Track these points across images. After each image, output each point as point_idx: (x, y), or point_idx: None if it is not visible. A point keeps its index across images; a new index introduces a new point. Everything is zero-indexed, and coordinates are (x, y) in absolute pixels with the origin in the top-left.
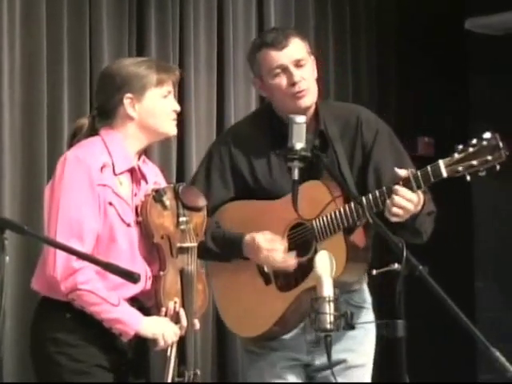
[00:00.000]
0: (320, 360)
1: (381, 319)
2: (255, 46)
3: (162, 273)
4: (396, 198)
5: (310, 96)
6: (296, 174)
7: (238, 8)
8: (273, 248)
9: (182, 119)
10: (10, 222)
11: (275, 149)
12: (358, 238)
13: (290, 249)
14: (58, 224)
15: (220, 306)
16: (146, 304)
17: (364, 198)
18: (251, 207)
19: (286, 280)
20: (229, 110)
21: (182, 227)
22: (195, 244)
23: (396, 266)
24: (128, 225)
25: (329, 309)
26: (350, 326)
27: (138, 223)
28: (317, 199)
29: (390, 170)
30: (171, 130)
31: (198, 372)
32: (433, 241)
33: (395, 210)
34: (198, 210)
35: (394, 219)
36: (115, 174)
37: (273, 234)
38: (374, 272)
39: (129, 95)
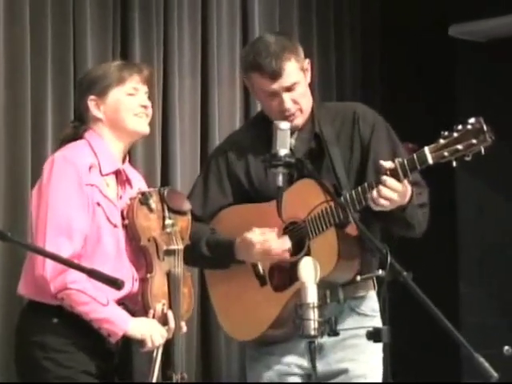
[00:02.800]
0: (321, 368)
1: None
2: (248, 62)
3: (149, 275)
4: (383, 189)
5: (300, 117)
6: (280, 180)
7: (222, 12)
8: (265, 239)
9: (165, 124)
10: None
11: (268, 150)
12: (351, 233)
13: None
14: (47, 223)
15: (218, 312)
16: (131, 307)
17: (348, 195)
18: (245, 211)
19: (281, 280)
20: (213, 114)
21: (168, 230)
22: (181, 247)
23: (380, 272)
24: (115, 226)
25: (313, 315)
26: (334, 333)
27: (124, 226)
28: (309, 197)
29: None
30: (138, 125)
31: (185, 375)
32: (417, 246)
33: (381, 201)
34: (183, 213)
35: (377, 209)
36: (102, 175)
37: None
38: (359, 278)
39: (92, 97)
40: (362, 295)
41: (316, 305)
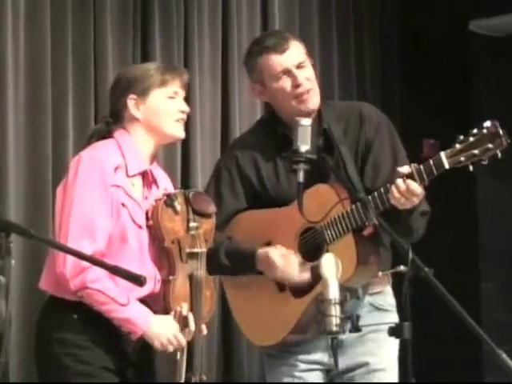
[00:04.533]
0: (342, 363)
1: None
2: (254, 52)
3: (171, 277)
4: (403, 190)
5: (314, 97)
6: (301, 176)
7: (242, 11)
8: (288, 263)
9: (186, 125)
10: (16, 225)
11: (278, 151)
12: (369, 237)
13: (301, 254)
14: (71, 221)
15: (237, 317)
16: (152, 307)
17: (370, 197)
18: (261, 216)
19: (300, 286)
20: (233, 113)
21: (192, 232)
22: (205, 250)
23: (402, 267)
24: (139, 227)
25: (335, 311)
26: (356, 329)
27: (148, 227)
28: (325, 202)
29: (387, 164)
30: (176, 130)
31: (204, 377)
32: (438, 242)
33: (402, 200)
34: (207, 216)
35: (401, 207)
36: (128, 176)
37: (285, 248)
38: (380, 274)
39: (132, 96)
40: (379, 290)
41: (338, 301)
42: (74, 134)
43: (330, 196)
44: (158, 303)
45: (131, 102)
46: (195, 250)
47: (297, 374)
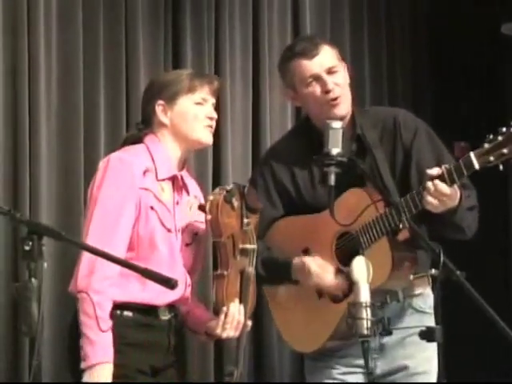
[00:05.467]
0: (381, 367)
1: None
2: (286, 57)
3: (225, 272)
4: (432, 192)
5: (344, 103)
6: (332, 179)
7: (273, 16)
8: (324, 271)
9: (217, 128)
10: (47, 228)
11: (311, 157)
12: (404, 241)
13: (338, 259)
14: (93, 222)
15: (279, 325)
16: (180, 310)
17: (402, 200)
18: (298, 223)
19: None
20: (264, 119)
21: (245, 228)
22: (255, 246)
23: (433, 271)
24: (168, 230)
25: (366, 314)
26: (388, 332)
27: (205, 221)
28: (359, 207)
29: (430, 166)
30: (203, 136)
31: (243, 372)
32: (469, 246)
33: (432, 201)
34: (257, 211)
35: (428, 207)
36: (157, 180)
37: (322, 253)
38: (411, 277)
39: (160, 102)
40: (419, 292)
41: (369, 304)
42: (106, 137)
43: (364, 200)
44: (185, 305)
45: (159, 107)
46: (248, 246)
47: (338, 376)
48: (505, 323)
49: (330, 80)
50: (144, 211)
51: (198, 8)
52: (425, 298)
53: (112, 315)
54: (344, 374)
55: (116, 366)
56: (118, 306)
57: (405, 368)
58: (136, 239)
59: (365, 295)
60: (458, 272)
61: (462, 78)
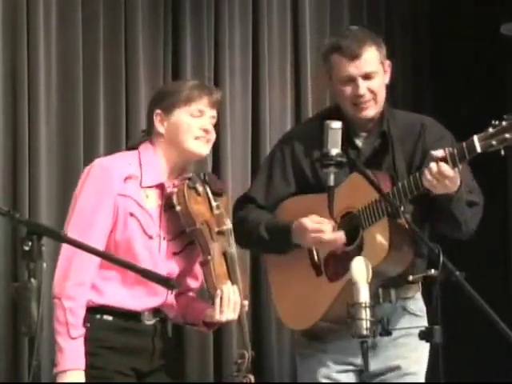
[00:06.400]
0: (374, 365)
1: None
2: (330, 46)
3: (209, 257)
4: (435, 172)
5: (373, 108)
6: (331, 180)
7: (272, 13)
8: (319, 228)
9: (217, 125)
10: (47, 228)
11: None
12: (404, 225)
13: None
14: (70, 227)
15: (275, 300)
16: (168, 315)
17: (405, 181)
18: (305, 201)
19: (335, 269)
20: (264, 116)
21: (216, 212)
22: (230, 226)
23: (433, 271)
24: (150, 237)
25: (365, 315)
26: (387, 332)
27: (177, 212)
28: (365, 189)
29: None
30: (194, 147)
31: (253, 353)
32: (468, 246)
33: (433, 180)
34: (222, 194)
35: (429, 187)
36: (142, 187)
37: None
38: (411, 278)
39: (158, 111)
40: (411, 296)
41: (368, 304)
42: (105, 140)
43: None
44: (173, 311)
45: (157, 117)
46: (223, 227)
47: (330, 374)
48: (504, 323)
49: (363, 85)
50: (122, 217)
51: (197, 8)
52: (416, 301)
53: (92, 319)
54: (337, 372)
55: (94, 368)
56: (98, 310)
57: (396, 368)
58: (113, 244)
59: (364, 295)
60: (458, 272)
61: (462, 77)
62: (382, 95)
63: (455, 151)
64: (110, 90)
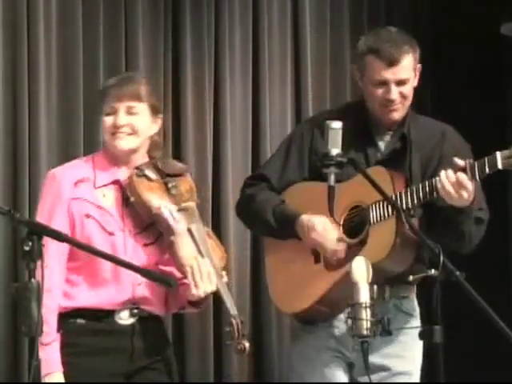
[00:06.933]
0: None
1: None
2: (368, 47)
3: (172, 238)
4: (454, 181)
5: (400, 111)
6: (332, 180)
7: (272, 13)
8: (325, 235)
9: (217, 125)
10: (47, 228)
11: (356, 141)
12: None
13: (345, 229)
14: None
15: (269, 281)
16: (150, 311)
17: (420, 184)
18: (315, 188)
19: (336, 260)
20: (264, 116)
21: (174, 192)
22: (192, 203)
23: (433, 271)
24: (110, 233)
25: (365, 315)
26: (388, 332)
27: (132, 204)
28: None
29: None
30: (114, 143)
31: (243, 318)
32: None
33: (450, 190)
34: (180, 174)
35: (444, 196)
36: (96, 188)
37: (331, 220)
38: (411, 278)
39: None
40: (406, 295)
41: (368, 304)
42: None
43: (384, 180)
44: (152, 305)
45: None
46: (182, 205)
47: (323, 356)
48: (504, 323)
49: (396, 90)
50: (79, 220)
51: (197, 6)
52: (410, 301)
53: (65, 324)
54: (328, 357)
55: (72, 372)
56: (70, 315)
57: (388, 367)
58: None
59: (364, 296)
60: (458, 272)
61: (462, 77)
62: (410, 99)
63: (476, 164)
64: None
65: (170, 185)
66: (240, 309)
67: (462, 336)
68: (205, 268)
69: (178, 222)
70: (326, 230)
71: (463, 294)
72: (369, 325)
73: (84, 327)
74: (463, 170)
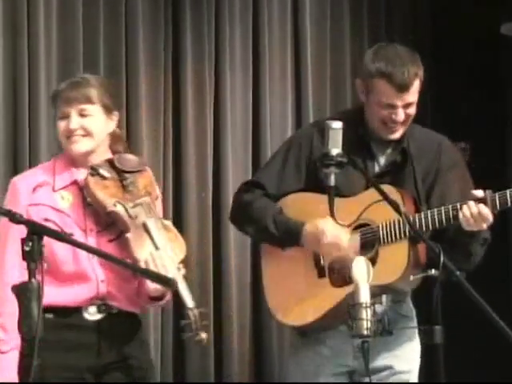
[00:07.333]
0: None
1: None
2: (378, 69)
3: (127, 235)
4: (475, 213)
5: (401, 130)
6: (332, 180)
7: (272, 8)
8: (337, 234)
9: (217, 121)
10: (48, 229)
11: (354, 152)
12: (421, 250)
13: None
14: None
15: (268, 292)
16: (119, 307)
17: (436, 210)
18: (315, 201)
19: (341, 276)
20: (264, 111)
21: (130, 188)
22: (147, 198)
23: (433, 271)
24: (70, 235)
25: (366, 315)
26: (388, 332)
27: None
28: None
29: (454, 199)
30: (70, 147)
31: (202, 310)
32: None
33: (470, 220)
34: (137, 170)
35: (464, 224)
36: (54, 191)
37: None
38: (411, 278)
39: None
40: (400, 299)
41: (368, 304)
42: None
43: (394, 196)
44: (121, 301)
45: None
46: (137, 201)
47: (323, 376)
48: (505, 323)
49: (402, 112)
50: None
51: (198, 3)
52: (405, 304)
53: None
54: (329, 375)
55: (38, 366)
56: None
57: (388, 368)
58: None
59: (365, 296)
60: (458, 272)
61: (461, 78)
62: (412, 117)
63: (497, 197)
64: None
65: (126, 181)
66: (240, 309)
67: (462, 336)
68: (159, 261)
69: (134, 218)
70: (337, 230)
71: (463, 294)
72: (369, 325)
73: (52, 322)
74: (483, 201)
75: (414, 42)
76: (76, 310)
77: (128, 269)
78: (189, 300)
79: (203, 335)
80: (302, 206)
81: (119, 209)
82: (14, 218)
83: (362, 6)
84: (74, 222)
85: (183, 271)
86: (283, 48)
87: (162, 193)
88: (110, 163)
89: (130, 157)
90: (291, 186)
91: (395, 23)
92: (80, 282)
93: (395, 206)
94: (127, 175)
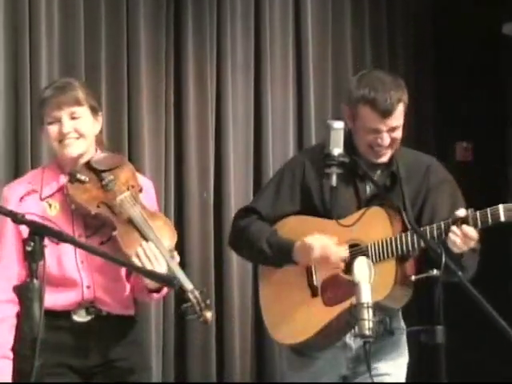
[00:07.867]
0: (359, 373)
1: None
2: (362, 96)
3: (114, 233)
4: (460, 235)
5: (389, 154)
6: (334, 180)
7: (274, 8)
8: (325, 244)
9: (219, 121)
10: (50, 229)
11: (344, 177)
12: (409, 269)
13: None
14: None
15: (264, 310)
16: (108, 310)
17: (427, 228)
18: (310, 223)
19: (333, 295)
20: (266, 112)
21: (110, 187)
22: (129, 192)
23: (435, 271)
24: (57, 243)
25: (367, 315)
26: (390, 332)
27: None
28: (376, 224)
29: (444, 216)
30: (62, 151)
31: (203, 289)
32: None
33: (457, 241)
34: (116, 167)
35: (452, 247)
36: (42, 199)
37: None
38: (413, 278)
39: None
40: (393, 314)
41: (370, 305)
42: (106, 136)
43: (382, 219)
44: (109, 305)
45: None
46: (120, 197)
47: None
48: (506, 323)
49: (387, 137)
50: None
51: (199, 2)
52: (398, 317)
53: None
54: None
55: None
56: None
57: (374, 369)
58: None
59: (366, 296)
60: (460, 273)
61: (462, 77)
62: (399, 141)
63: (478, 215)
64: (110, 85)
65: (105, 181)
66: (241, 309)
67: (463, 336)
68: (150, 251)
69: (119, 215)
70: (322, 242)
71: (465, 294)
72: (371, 325)
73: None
74: (465, 220)
75: (415, 42)
76: (65, 313)
77: (130, 269)
78: (187, 283)
79: (208, 314)
80: (298, 228)
81: (103, 209)
82: (16, 218)
83: (363, 7)
84: (61, 229)
85: (177, 258)
86: (285, 47)
87: (163, 192)
88: (87, 166)
89: (106, 155)
90: (286, 208)
91: (396, 24)
92: (66, 287)
93: (397, 209)
94: (106, 174)
